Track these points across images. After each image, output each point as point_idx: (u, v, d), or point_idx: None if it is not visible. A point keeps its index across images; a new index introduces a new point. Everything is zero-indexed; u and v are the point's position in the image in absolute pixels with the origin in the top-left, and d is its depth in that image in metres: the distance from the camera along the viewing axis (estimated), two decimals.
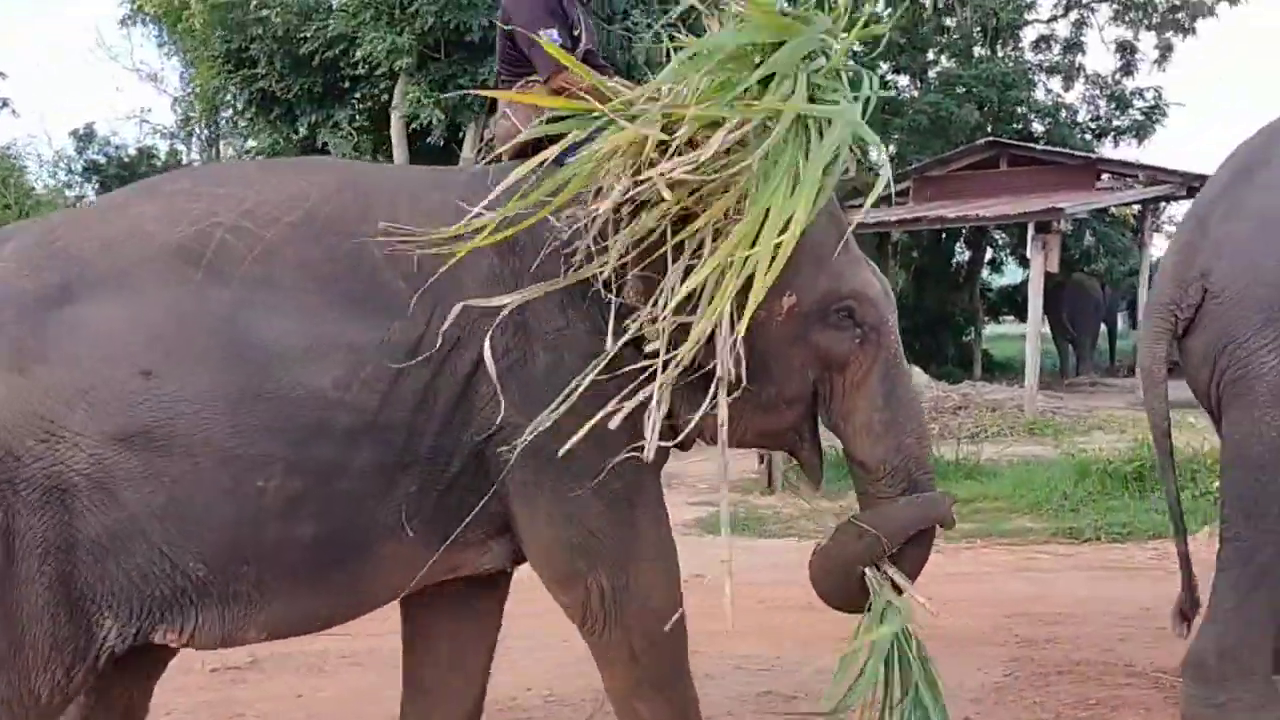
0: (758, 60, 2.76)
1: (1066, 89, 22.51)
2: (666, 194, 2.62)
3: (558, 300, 2.79)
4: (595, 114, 2.78)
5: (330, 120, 14.55)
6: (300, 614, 2.85)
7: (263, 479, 2.61)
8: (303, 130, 14.65)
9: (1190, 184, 15.46)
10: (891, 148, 21.56)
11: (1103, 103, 22.17)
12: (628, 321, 2.74)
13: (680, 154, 2.65)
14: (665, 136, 2.67)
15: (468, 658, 3.27)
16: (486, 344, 2.66)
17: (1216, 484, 7.52)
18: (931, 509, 3.01)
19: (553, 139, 2.83)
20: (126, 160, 23.41)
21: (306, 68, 14.13)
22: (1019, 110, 21.20)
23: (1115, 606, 5.20)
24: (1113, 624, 4.96)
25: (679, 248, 2.72)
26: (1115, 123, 21.73)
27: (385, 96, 14.20)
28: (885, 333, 2.98)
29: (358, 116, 14.70)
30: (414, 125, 13.67)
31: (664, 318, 2.69)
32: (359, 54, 13.16)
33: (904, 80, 23.21)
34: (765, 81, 2.72)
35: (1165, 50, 21.52)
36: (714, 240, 2.67)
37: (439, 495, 2.75)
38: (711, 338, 2.69)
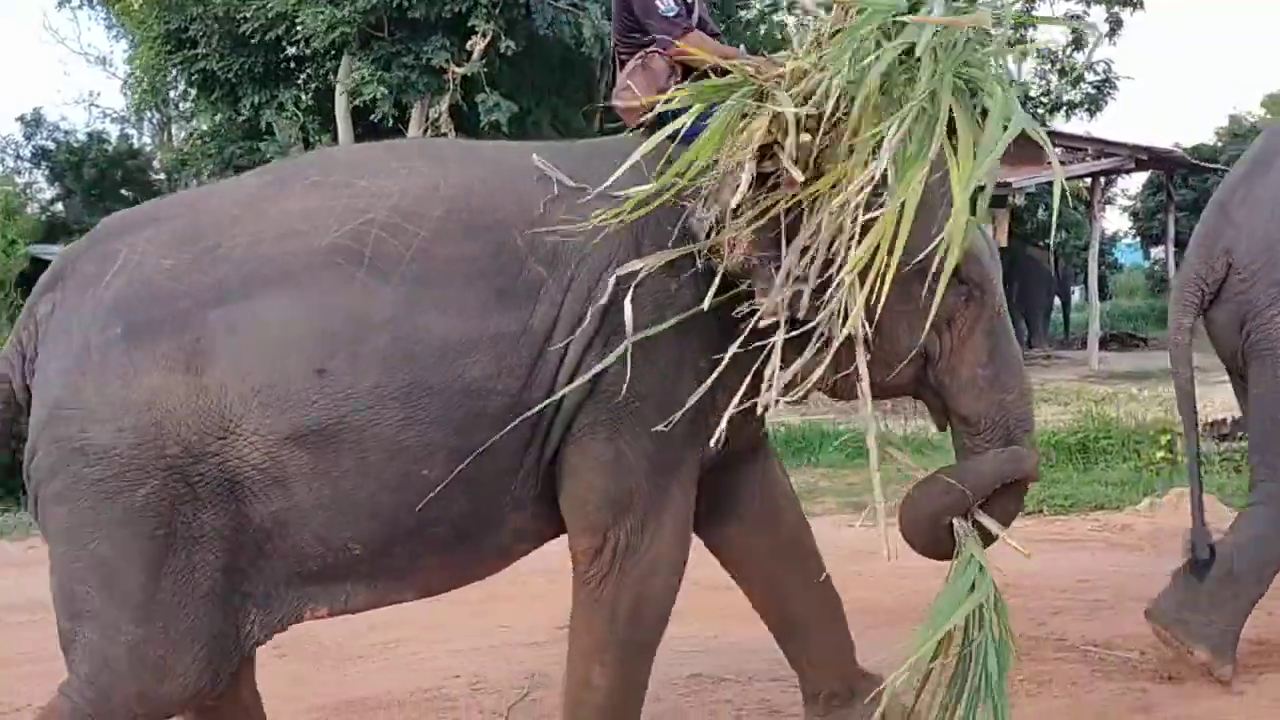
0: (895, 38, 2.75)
1: (1017, 63, 22.48)
2: (797, 175, 2.74)
3: (665, 267, 2.90)
4: (730, 85, 2.87)
5: (274, 100, 14.28)
6: (442, 579, 3.03)
7: (427, 468, 2.74)
8: (246, 111, 14.37)
9: (1138, 156, 15.51)
10: None
11: (1054, 77, 22.21)
12: (743, 286, 2.86)
13: (819, 130, 2.77)
14: (811, 111, 2.76)
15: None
16: (628, 306, 2.79)
17: (1160, 454, 7.66)
18: (1016, 463, 3.08)
19: (675, 113, 2.94)
20: (76, 146, 22.92)
21: (247, 48, 13.83)
22: None
23: (1052, 580, 5.17)
24: (1048, 597, 4.94)
25: (797, 216, 2.83)
26: (1066, 97, 21.77)
27: (330, 76, 13.96)
28: (990, 291, 3.08)
29: (303, 97, 14.43)
30: (359, 104, 13.44)
31: (798, 281, 2.81)
32: (299, 31, 12.91)
33: None
34: (905, 56, 2.74)
35: (1115, 24, 21.55)
36: (840, 211, 2.76)
37: (551, 461, 2.91)
38: (818, 296, 2.81)
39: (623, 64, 3.34)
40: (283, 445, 2.67)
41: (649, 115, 3.04)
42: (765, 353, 2.84)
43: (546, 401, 2.81)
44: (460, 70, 12.63)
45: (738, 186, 2.78)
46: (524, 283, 2.84)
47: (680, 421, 2.87)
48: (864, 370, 2.87)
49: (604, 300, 2.84)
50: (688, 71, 3.19)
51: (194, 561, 2.67)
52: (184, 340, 2.67)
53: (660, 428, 2.85)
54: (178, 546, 2.65)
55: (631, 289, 2.83)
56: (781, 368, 2.83)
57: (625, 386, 2.82)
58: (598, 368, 2.81)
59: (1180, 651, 3.82)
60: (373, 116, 13.26)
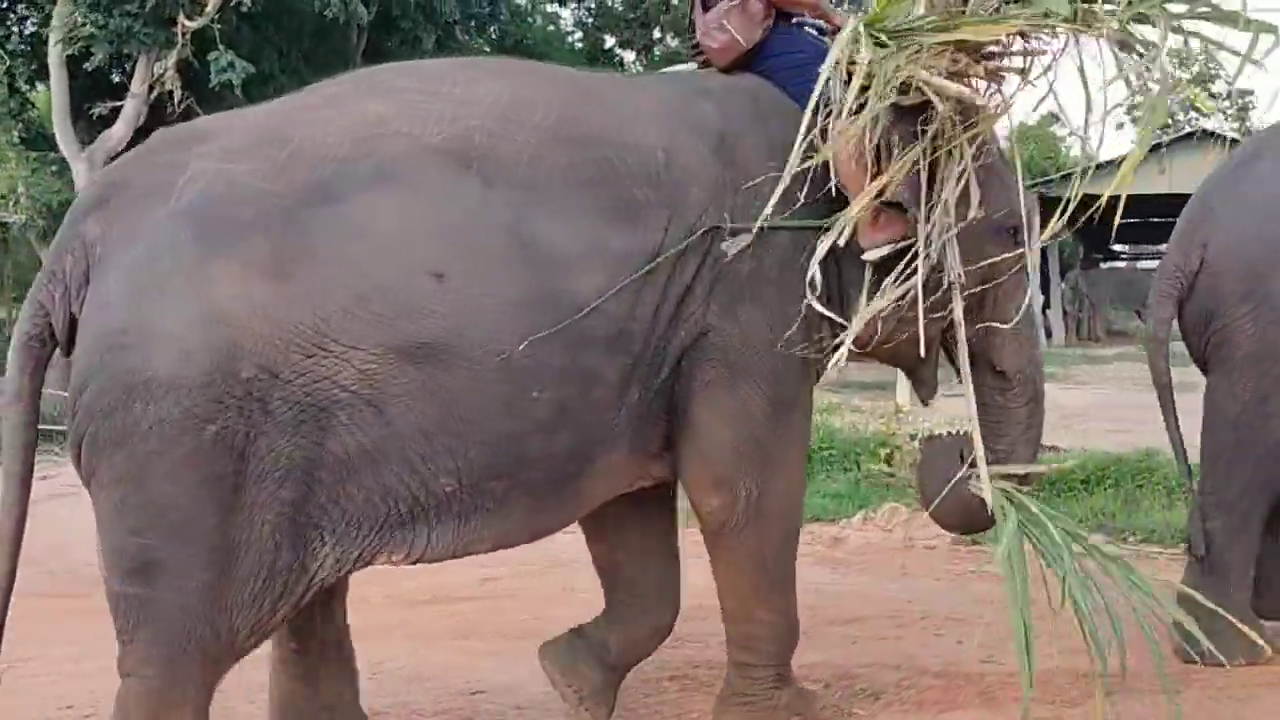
0: None
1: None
2: (939, 104, 2.85)
3: (761, 207, 2.86)
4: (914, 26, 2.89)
5: None
6: (526, 527, 2.84)
7: (539, 389, 2.60)
8: None
9: None
10: None
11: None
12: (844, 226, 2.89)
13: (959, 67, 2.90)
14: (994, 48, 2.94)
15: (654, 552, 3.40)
16: (814, 267, 2.87)
17: (875, 467, 7.62)
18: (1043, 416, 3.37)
19: (766, 54, 3.15)
20: None
21: None
22: None
23: None
24: None
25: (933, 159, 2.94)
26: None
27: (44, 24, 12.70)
28: (1029, 255, 3.19)
29: (12, 38, 13.16)
30: (74, 52, 12.23)
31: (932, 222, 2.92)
32: None
33: (630, 55, 23.12)
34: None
35: None
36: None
37: (647, 403, 2.82)
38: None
39: (705, 5, 3.25)
40: (388, 360, 2.47)
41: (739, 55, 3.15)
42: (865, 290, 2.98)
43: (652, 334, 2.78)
44: (191, 25, 11.62)
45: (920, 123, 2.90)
46: (628, 204, 2.77)
47: (793, 361, 2.93)
48: (959, 314, 3.04)
49: (707, 246, 2.84)
50: (779, 15, 3.23)
51: (268, 498, 2.45)
52: (271, 243, 2.45)
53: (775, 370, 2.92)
54: (251, 483, 2.44)
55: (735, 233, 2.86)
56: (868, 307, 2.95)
57: (741, 334, 2.87)
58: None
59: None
60: (87, 65, 12.06)
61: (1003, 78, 3.03)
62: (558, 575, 5.29)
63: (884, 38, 2.90)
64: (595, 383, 2.71)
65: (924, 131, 2.93)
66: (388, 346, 2.47)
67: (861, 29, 2.90)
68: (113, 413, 2.41)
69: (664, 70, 3.57)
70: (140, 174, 2.62)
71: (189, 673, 2.52)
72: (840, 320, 2.98)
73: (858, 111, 2.82)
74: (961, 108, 2.93)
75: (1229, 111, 24.55)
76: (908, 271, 2.94)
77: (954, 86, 2.88)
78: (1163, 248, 4.40)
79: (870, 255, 2.98)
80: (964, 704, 3.60)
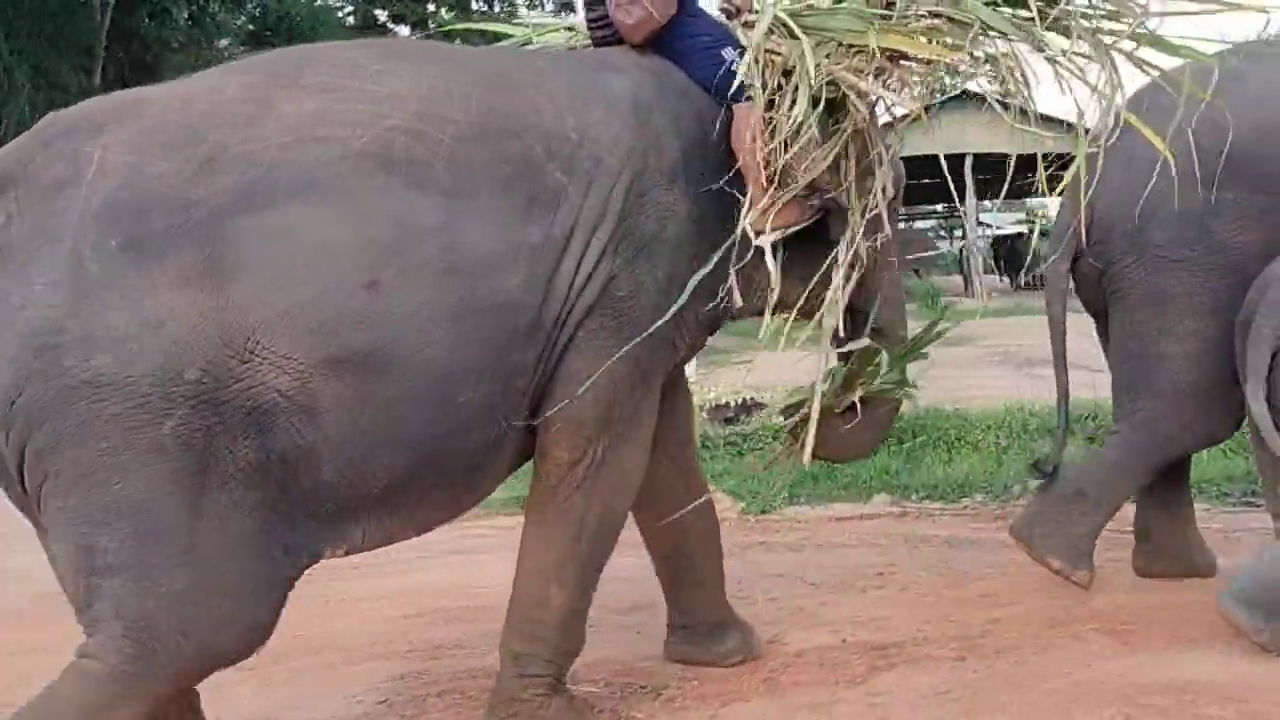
0: None
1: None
2: (859, 104, 3.08)
3: (668, 176, 3.00)
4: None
5: None
6: (447, 513, 2.92)
7: (464, 393, 2.63)
8: None
9: None
10: None
11: None
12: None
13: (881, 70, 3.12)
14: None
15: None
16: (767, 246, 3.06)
17: None
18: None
19: (675, 32, 3.18)
20: None
21: None
22: None
23: None
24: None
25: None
26: None
27: None
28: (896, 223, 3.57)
29: None
30: None
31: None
32: None
33: (405, 30, 22.46)
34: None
35: None
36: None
37: (545, 377, 2.83)
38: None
39: None
40: (320, 370, 2.46)
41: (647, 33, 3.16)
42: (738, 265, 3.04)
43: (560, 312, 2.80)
44: None
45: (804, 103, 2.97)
46: (545, 191, 2.79)
47: (668, 333, 2.98)
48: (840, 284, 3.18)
49: (619, 208, 2.88)
50: None
51: (235, 499, 2.44)
52: (203, 252, 2.41)
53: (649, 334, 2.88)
54: (216, 483, 2.42)
55: (639, 201, 2.93)
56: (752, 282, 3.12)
57: (633, 289, 2.90)
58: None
59: (1037, 560, 4.08)
60: None
61: (914, 81, 3.24)
62: None
63: (800, 30, 3.05)
64: (516, 377, 2.75)
65: (836, 123, 3.11)
66: (321, 357, 2.46)
67: (781, 20, 3.08)
68: (61, 414, 2.35)
69: (543, 47, 3.57)
70: (39, 164, 2.49)
71: (153, 673, 2.45)
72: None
73: (770, 100, 3.02)
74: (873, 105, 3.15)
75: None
76: (836, 251, 3.18)
77: (877, 90, 3.09)
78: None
79: (764, 240, 3.06)
80: (746, 694, 3.42)
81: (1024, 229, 30.68)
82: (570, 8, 23.07)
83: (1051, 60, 3.10)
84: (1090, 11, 3.13)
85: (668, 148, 3.02)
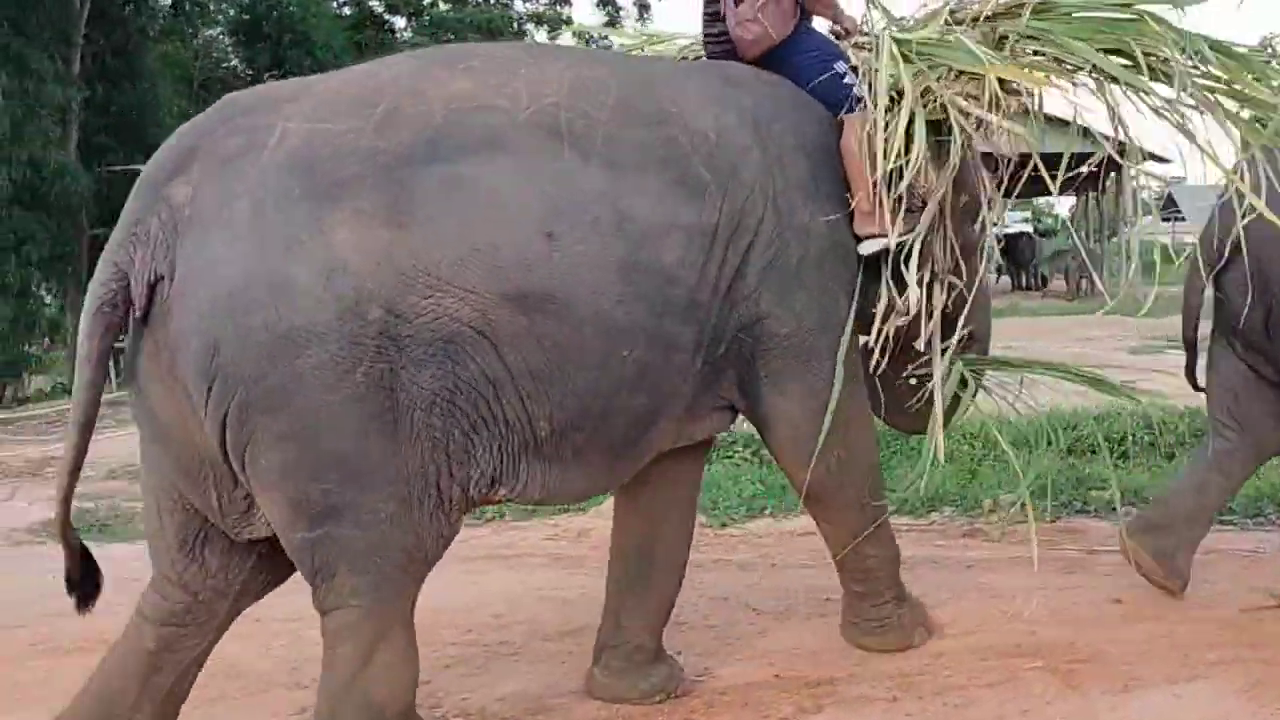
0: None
1: (554, 39, 22.42)
2: (965, 125, 3.31)
3: (799, 195, 3.15)
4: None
5: None
6: (592, 483, 3.08)
7: (628, 348, 2.81)
8: None
9: None
10: None
11: None
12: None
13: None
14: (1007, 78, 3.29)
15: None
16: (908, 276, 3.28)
17: None
18: None
19: (793, 48, 3.43)
20: None
21: None
22: None
23: (459, 617, 4.24)
24: (442, 644, 4.00)
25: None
26: None
27: None
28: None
29: None
30: None
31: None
32: None
33: (401, 21, 22.24)
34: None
35: (643, 8, 21.93)
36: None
37: (705, 374, 3.06)
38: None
39: None
40: (499, 305, 2.63)
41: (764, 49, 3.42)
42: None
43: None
44: None
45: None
46: (693, 179, 2.96)
47: (845, 334, 3.21)
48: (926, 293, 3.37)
49: (753, 226, 3.06)
50: (803, 12, 3.50)
51: (421, 426, 2.61)
52: (381, 194, 2.57)
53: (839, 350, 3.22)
54: (405, 414, 2.59)
55: (779, 222, 3.11)
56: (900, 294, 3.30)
57: (795, 318, 3.14)
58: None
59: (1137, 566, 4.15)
60: None
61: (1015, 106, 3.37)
62: None
63: (912, 55, 3.30)
64: (674, 348, 2.93)
65: (940, 144, 3.28)
66: (501, 292, 2.63)
67: (894, 45, 3.30)
68: (262, 374, 2.49)
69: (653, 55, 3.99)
70: (221, 136, 2.66)
71: (393, 591, 2.71)
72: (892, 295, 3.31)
73: (888, 118, 3.20)
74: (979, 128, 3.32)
75: None
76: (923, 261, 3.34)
77: (985, 114, 3.23)
78: None
79: (867, 248, 3.26)
80: None
81: (1028, 228, 30.40)
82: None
83: (1156, 110, 3.30)
84: (1195, 66, 3.26)
85: (793, 163, 3.18)
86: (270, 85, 3.03)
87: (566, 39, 22.84)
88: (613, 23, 22.32)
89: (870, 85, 3.27)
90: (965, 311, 3.49)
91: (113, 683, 2.90)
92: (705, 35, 3.59)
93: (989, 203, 3.48)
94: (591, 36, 22.09)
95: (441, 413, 2.63)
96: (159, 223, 2.56)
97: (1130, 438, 6.49)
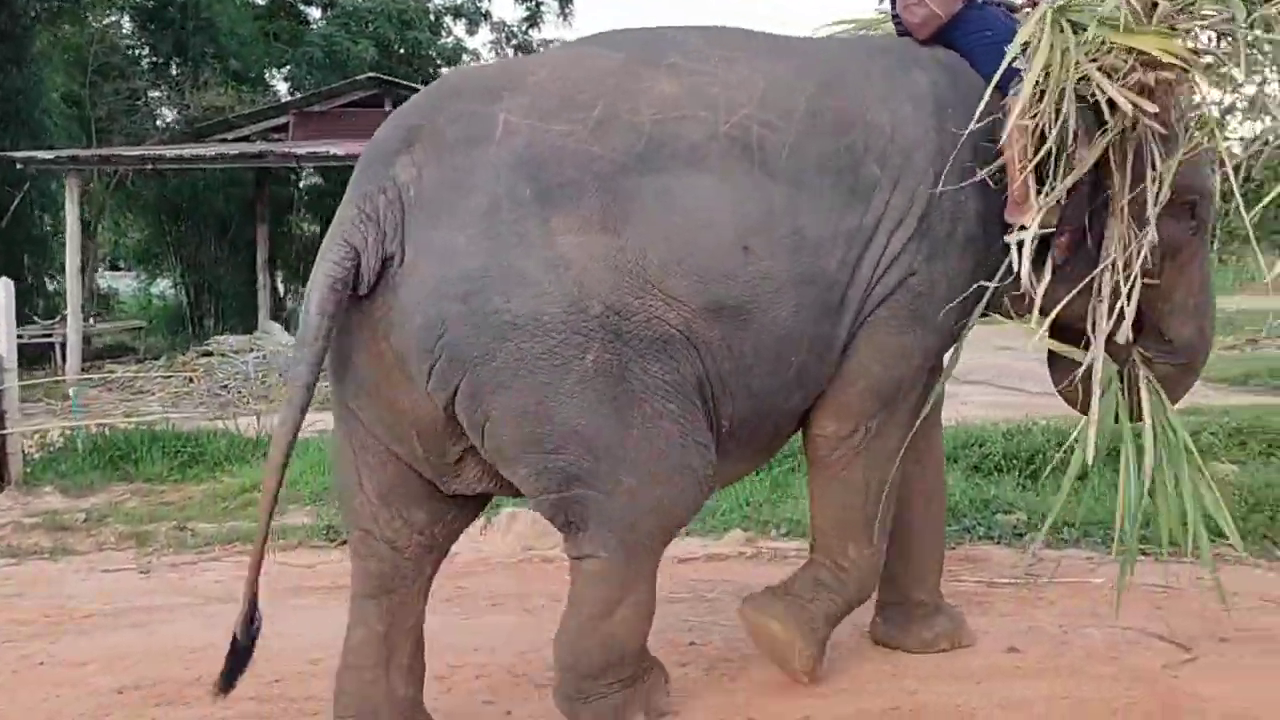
0: None
1: (472, 34, 21.91)
2: (1150, 107, 3.03)
3: (964, 177, 3.18)
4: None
5: None
6: (743, 471, 3.44)
7: (795, 353, 3.01)
8: None
9: None
10: (283, 82, 20.01)
11: (510, 51, 21.73)
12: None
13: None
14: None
15: None
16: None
17: None
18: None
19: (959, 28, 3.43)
20: None
21: None
22: (422, 52, 20.14)
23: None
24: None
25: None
26: None
27: None
28: (1209, 230, 3.56)
29: None
30: None
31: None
32: None
33: (316, 12, 21.46)
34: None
35: (564, 1, 21.43)
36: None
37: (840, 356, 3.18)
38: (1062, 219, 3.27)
39: None
40: (700, 313, 2.83)
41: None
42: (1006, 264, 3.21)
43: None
44: None
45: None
46: (864, 181, 3.08)
47: (951, 325, 3.24)
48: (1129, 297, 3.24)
49: (921, 208, 3.14)
50: None
51: (657, 410, 2.80)
52: (601, 200, 2.75)
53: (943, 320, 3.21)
54: (642, 399, 2.78)
55: (930, 205, 3.15)
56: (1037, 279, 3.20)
57: (929, 285, 3.15)
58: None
59: None
60: None
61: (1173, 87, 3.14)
62: None
63: (1070, 27, 3.12)
64: (828, 349, 3.08)
65: (1102, 126, 3.15)
66: (702, 302, 2.82)
67: (1049, 15, 3.13)
68: (492, 355, 2.67)
69: (848, 34, 3.87)
70: (448, 121, 2.82)
71: (639, 549, 2.93)
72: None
73: (1039, 96, 3.07)
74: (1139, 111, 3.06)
75: None
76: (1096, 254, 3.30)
77: (1125, 96, 3.01)
78: None
79: (1014, 238, 3.19)
80: None
81: None
82: None
83: None
84: None
85: (963, 147, 3.16)
86: (477, 70, 3.21)
87: (484, 34, 22.32)
88: (533, 18, 21.82)
89: (1025, 59, 3.16)
90: (1166, 316, 3.48)
91: (364, 675, 3.03)
92: (892, 15, 3.61)
93: (1165, 196, 3.18)
94: (514, 34, 21.78)
95: (682, 400, 2.83)
96: (386, 200, 2.71)
97: (1041, 456, 6.09)
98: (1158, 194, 3.15)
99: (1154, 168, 3.17)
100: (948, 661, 3.61)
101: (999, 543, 5.24)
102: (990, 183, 3.17)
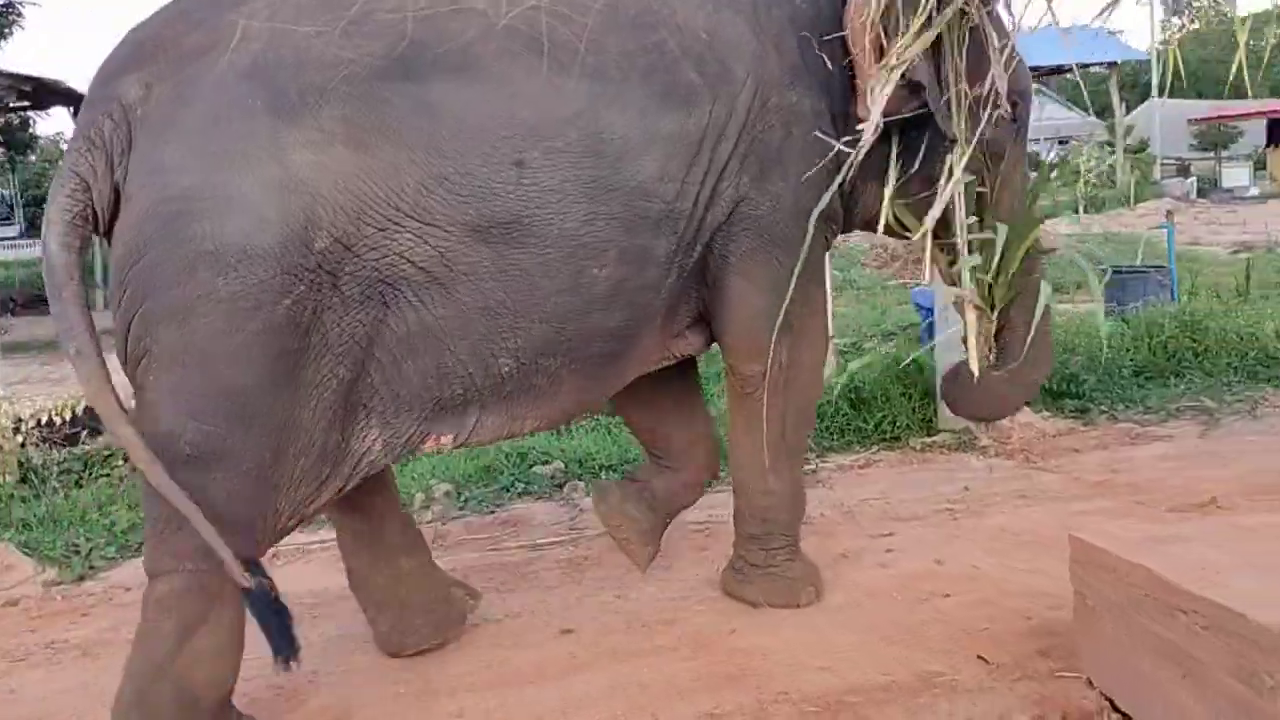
0: None
1: None
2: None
3: (789, 75, 3.01)
4: None
5: None
6: (566, 408, 2.96)
7: (598, 266, 2.72)
8: None
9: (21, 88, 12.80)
10: None
11: None
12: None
13: None
14: None
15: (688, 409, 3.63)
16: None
17: None
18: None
19: None
20: None
21: None
22: None
23: None
24: None
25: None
26: None
27: None
28: (1027, 131, 3.44)
29: None
30: None
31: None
32: None
33: None
34: None
35: None
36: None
37: (682, 283, 2.98)
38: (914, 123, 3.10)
39: None
40: (463, 238, 2.53)
41: None
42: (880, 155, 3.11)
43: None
44: None
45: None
46: (680, 87, 2.84)
47: (816, 231, 2.99)
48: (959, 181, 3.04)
49: (743, 118, 2.93)
50: None
51: (327, 375, 2.46)
52: (347, 111, 2.42)
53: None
54: (313, 359, 2.43)
55: (763, 108, 2.95)
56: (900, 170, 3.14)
57: (772, 201, 2.99)
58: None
59: None
60: None
61: None
62: None
63: None
64: (648, 263, 2.82)
65: (939, 7, 2.96)
66: (464, 225, 2.52)
67: None
68: (176, 284, 2.32)
69: None
70: (180, 32, 2.48)
71: (241, 552, 2.43)
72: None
73: None
74: None
75: None
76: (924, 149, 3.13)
77: None
78: None
79: (866, 129, 2.91)
80: None
81: None
82: None
83: None
84: None
85: (787, 46, 3.01)
86: None
87: None
88: None
89: None
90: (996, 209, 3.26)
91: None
92: None
93: (1002, 88, 2.99)
94: None
95: (351, 363, 2.48)
96: (111, 124, 2.39)
97: None
98: (991, 85, 2.97)
99: (994, 52, 2.96)
100: (498, 665, 3.16)
101: (540, 497, 4.90)
102: (828, 73, 3.01)
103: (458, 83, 2.56)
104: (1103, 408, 5.76)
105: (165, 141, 2.38)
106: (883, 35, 2.99)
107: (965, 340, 3.21)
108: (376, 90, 2.47)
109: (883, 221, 3.12)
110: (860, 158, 2.92)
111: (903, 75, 2.96)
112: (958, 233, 3.13)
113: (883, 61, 2.97)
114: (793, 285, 2.97)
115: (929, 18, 2.96)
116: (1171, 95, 22.93)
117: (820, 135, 2.99)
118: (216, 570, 2.41)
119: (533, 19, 2.68)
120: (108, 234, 2.44)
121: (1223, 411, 5.64)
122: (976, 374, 3.17)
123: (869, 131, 2.89)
